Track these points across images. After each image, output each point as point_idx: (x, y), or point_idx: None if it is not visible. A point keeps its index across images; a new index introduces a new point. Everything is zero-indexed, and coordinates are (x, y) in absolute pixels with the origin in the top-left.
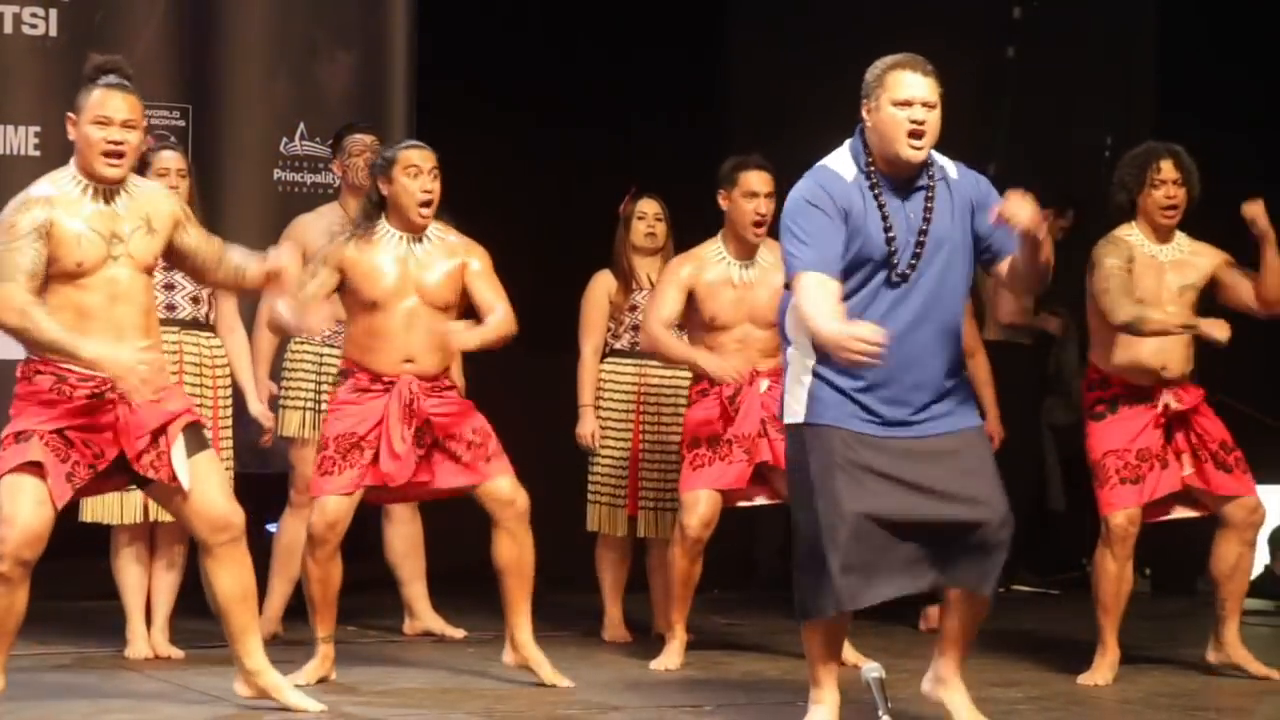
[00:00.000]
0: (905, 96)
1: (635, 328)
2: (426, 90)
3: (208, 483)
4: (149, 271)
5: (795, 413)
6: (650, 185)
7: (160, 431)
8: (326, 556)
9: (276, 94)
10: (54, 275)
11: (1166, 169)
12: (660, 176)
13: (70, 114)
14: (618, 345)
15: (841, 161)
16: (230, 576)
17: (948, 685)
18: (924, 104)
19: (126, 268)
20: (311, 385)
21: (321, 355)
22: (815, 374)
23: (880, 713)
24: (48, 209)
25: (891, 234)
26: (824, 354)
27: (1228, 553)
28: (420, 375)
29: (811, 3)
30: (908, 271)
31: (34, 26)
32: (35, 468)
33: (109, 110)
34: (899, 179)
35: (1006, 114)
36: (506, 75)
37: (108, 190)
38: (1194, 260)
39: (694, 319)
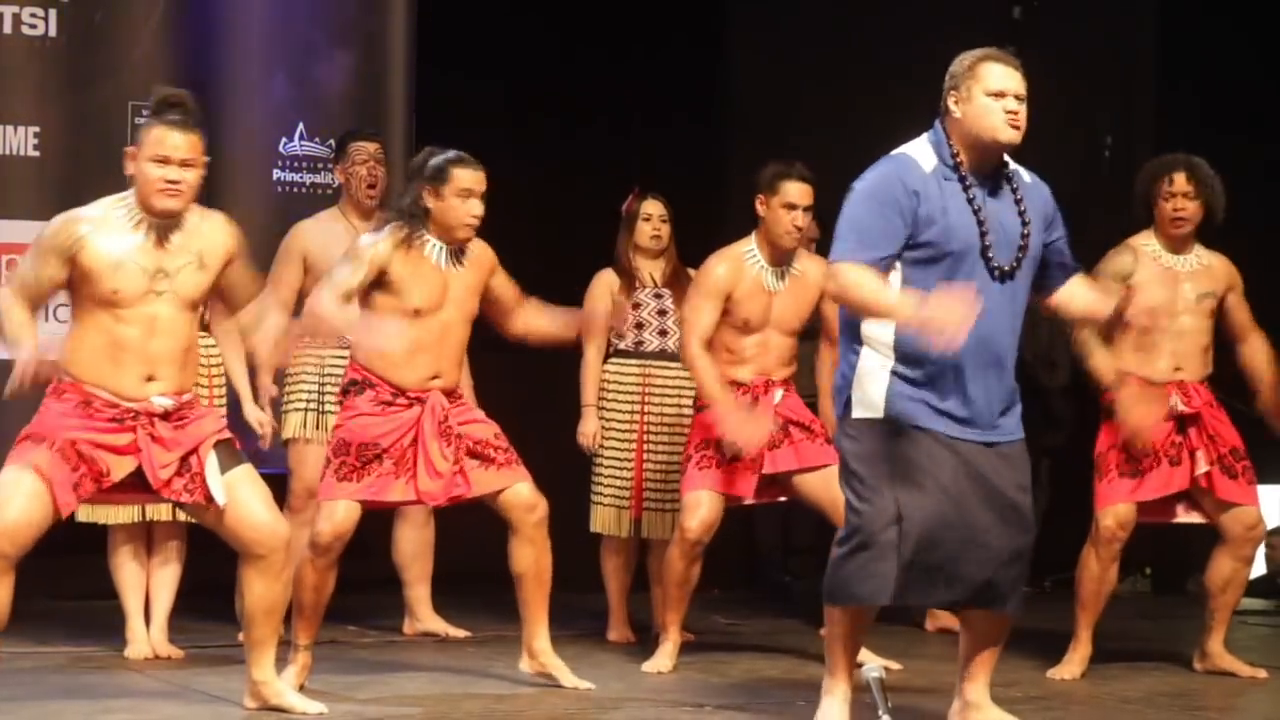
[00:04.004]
0: (999, 88)
1: (639, 326)
2: (426, 90)
3: (249, 497)
4: (194, 307)
5: (872, 407)
6: (650, 185)
7: (190, 453)
8: (327, 565)
9: (276, 94)
10: (90, 298)
11: (1179, 181)
12: (660, 176)
13: (129, 147)
14: (621, 345)
15: (921, 151)
16: (264, 588)
17: (982, 710)
18: (1016, 96)
19: (169, 304)
20: (314, 388)
21: (324, 358)
22: (895, 373)
23: (880, 713)
24: (83, 232)
25: (985, 226)
26: (904, 354)
27: (1223, 566)
28: (444, 390)
29: (812, 3)
30: (1013, 268)
31: (34, 27)
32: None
33: (166, 149)
34: (983, 174)
35: None
36: (506, 75)
37: (161, 225)
38: (1211, 270)
39: (723, 320)
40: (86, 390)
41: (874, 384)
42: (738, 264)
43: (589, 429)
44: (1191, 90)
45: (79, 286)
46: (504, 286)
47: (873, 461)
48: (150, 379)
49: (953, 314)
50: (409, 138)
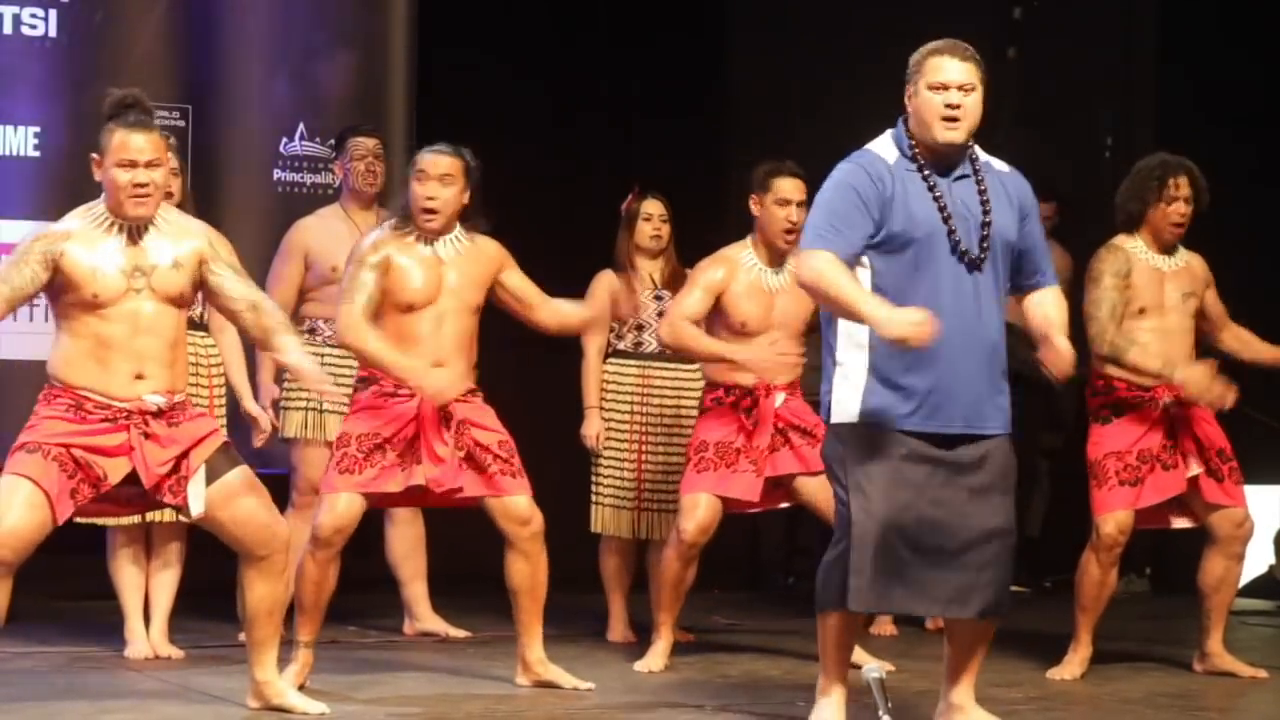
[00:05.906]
0: (940, 80)
1: (639, 327)
2: (426, 90)
3: (246, 499)
4: (177, 304)
5: (847, 411)
6: (651, 184)
7: (185, 454)
8: (327, 560)
9: (276, 94)
10: (75, 304)
11: (1183, 186)
12: (660, 176)
13: (95, 155)
14: (621, 345)
15: (884, 146)
16: (265, 588)
17: (965, 712)
18: (960, 88)
19: (150, 300)
20: None
21: (323, 355)
22: (872, 370)
23: (880, 712)
24: (63, 242)
25: (947, 212)
26: (882, 349)
27: (1214, 566)
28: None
29: (812, 3)
30: (980, 256)
31: (34, 27)
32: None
33: (132, 152)
34: (941, 165)
35: (1007, 114)
36: (507, 75)
37: (134, 226)
38: (1191, 269)
39: (721, 323)
40: (77, 393)
41: (850, 386)
42: (732, 265)
43: (592, 430)
44: (1191, 89)
45: (60, 295)
46: (521, 284)
47: (850, 466)
48: (139, 377)
49: (916, 325)
50: (410, 137)
